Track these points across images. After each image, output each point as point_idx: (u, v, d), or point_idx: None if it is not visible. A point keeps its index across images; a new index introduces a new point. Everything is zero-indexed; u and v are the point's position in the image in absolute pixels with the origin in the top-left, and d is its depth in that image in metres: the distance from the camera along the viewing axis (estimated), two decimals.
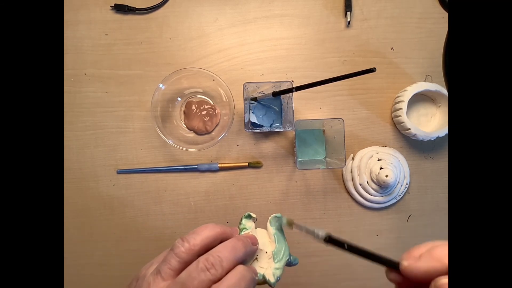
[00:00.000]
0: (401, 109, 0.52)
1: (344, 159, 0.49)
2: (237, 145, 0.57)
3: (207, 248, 0.30)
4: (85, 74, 0.57)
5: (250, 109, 0.55)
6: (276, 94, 0.48)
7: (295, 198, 0.57)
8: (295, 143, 0.53)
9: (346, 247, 0.30)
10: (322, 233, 0.30)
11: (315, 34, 0.57)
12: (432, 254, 0.26)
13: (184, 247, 0.29)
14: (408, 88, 0.52)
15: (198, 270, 0.27)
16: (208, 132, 0.56)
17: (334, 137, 0.53)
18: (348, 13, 0.56)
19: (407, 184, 0.56)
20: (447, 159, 0.58)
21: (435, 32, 0.57)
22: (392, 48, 0.57)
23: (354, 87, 0.57)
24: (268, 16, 0.57)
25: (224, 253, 0.29)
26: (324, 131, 0.57)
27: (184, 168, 0.56)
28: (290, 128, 0.51)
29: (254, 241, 0.33)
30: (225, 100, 0.55)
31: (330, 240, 0.30)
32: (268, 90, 0.52)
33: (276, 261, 0.33)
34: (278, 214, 0.36)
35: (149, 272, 0.30)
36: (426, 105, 0.57)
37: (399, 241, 0.58)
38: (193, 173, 0.57)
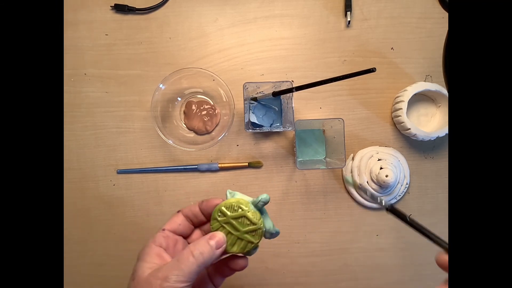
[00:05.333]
0: (401, 109, 0.52)
1: (344, 159, 0.49)
2: (237, 145, 0.57)
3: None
4: (85, 74, 0.57)
5: (250, 109, 0.55)
6: (276, 94, 0.48)
7: (295, 198, 0.57)
8: (295, 143, 0.53)
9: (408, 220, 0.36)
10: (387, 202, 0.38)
11: (315, 34, 0.57)
12: None
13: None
14: (408, 88, 0.52)
15: None
16: (208, 132, 0.56)
17: (334, 137, 0.53)
18: (348, 13, 0.56)
19: (407, 184, 0.56)
20: (447, 159, 0.58)
21: (435, 32, 0.57)
22: (392, 48, 0.57)
23: (354, 87, 0.57)
24: (268, 16, 0.57)
25: None
26: (324, 131, 0.57)
27: (184, 168, 0.56)
28: (290, 128, 0.51)
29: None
30: (225, 100, 0.55)
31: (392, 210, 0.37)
32: (268, 90, 0.52)
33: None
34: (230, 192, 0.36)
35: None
36: (426, 105, 0.57)
37: (399, 241, 0.58)
38: (193, 173, 0.57)
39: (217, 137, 0.52)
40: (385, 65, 0.57)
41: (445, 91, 0.52)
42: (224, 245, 0.34)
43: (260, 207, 0.35)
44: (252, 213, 0.34)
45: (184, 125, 0.57)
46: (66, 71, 0.57)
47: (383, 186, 0.53)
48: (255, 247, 0.35)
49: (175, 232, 0.36)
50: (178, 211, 0.37)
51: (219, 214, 0.35)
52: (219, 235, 0.34)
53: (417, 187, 0.58)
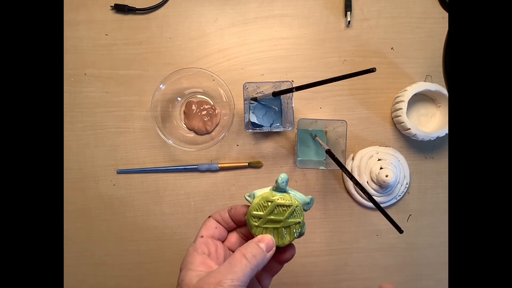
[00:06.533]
0: (401, 109, 0.52)
1: (344, 161, 0.49)
2: (237, 145, 0.57)
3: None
4: (85, 74, 0.57)
5: (250, 109, 0.55)
6: (276, 94, 0.48)
7: None
8: (297, 141, 0.53)
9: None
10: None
11: (315, 34, 0.57)
12: None
13: None
14: (408, 88, 0.52)
15: None
16: (208, 132, 0.56)
17: (336, 139, 0.53)
18: (348, 13, 0.56)
19: (407, 184, 0.56)
20: (447, 159, 0.58)
21: (435, 32, 0.57)
22: (392, 48, 0.57)
23: (354, 87, 0.57)
24: (268, 16, 0.57)
25: None
26: (326, 132, 0.56)
27: (184, 168, 0.56)
28: (290, 128, 0.51)
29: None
30: (225, 100, 0.55)
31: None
32: (268, 90, 0.52)
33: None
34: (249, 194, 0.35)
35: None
36: (426, 105, 0.57)
37: (399, 241, 0.58)
38: (193, 173, 0.57)
39: (217, 137, 0.52)
40: (385, 65, 0.57)
41: (445, 91, 0.52)
42: (274, 248, 0.33)
43: (283, 188, 0.34)
44: (281, 198, 0.33)
45: (184, 125, 0.57)
46: (66, 71, 0.57)
47: (383, 186, 0.53)
48: (303, 224, 0.34)
49: (213, 237, 0.35)
50: (209, 217, 0.36)
51: (254, 220, 0.34)
52: (267, 238, 0.33)
53: (417, 187, 0.58)
